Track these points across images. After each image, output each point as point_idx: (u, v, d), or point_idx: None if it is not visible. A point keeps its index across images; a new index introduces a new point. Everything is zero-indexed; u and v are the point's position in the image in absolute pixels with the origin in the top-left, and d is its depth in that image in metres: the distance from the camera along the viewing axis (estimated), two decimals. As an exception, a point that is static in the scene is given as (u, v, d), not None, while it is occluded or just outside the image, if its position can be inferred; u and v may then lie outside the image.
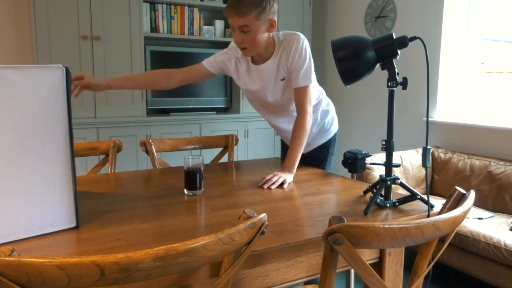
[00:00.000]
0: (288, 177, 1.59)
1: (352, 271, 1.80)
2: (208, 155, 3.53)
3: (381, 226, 0.77)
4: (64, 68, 1.01)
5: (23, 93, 0.97)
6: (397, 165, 1.40)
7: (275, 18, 1.63)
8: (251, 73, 1.80)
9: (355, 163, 1.64)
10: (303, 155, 1.79)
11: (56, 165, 1.03)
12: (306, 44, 1.70)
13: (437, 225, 0.84)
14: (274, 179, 1.55)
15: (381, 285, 0.85)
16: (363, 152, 1.66)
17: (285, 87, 1.78)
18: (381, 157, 2.81)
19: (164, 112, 3.68)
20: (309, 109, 1.73)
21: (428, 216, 1.24)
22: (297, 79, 1.70)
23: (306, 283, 1.53)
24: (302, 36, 1.71)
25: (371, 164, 1.53)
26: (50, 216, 1.04)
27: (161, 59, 3.48)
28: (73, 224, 1.08)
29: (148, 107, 3.49)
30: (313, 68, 1.74)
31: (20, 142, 0.98)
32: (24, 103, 0.97)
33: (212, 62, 1.85)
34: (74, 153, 1.05)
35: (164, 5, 3.44)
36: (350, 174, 1.82)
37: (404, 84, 1.28)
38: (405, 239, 0.80)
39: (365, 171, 3.05)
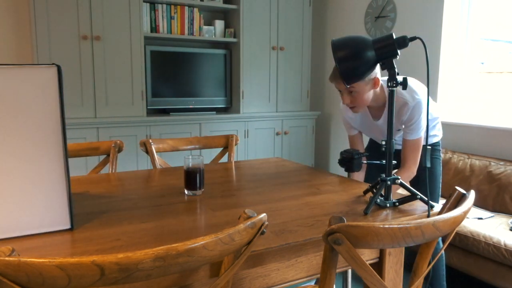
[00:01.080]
0: None
1: (350, 271, 1.80)
2: (208, 155, 3.53)
3: (381, 226, 0.77)
4: (56, 67, 1.00)
5: (15, 93, 0.96)
6: (380, 163, 1.45)
7: (378, 76, 1.73)
8: (371, 125, 1.97)
9: (351, 162, 1.64)
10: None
11: (48, 165, 1.02)
12: (423, 108, 1.77)
13: (437, 225, 0.84)
14: None
15: (381, 285, 0.85)
16: (359, 151, 1.67)
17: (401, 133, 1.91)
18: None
19: (164, 112, 3.68)
20: (413, 168, 1.81)
21: (428, 216, 1.24)
22: (407, 134, 1.82)
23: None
24: (419, 102, 1.77)
25: (367, 163, 1.54)
26: (42, 217, 1.04)
27: (161, 59, 3.48)
28: (67, 226, 1.07)
29: (148, 107, 3.49)
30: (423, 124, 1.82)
31: (12, 142, 0.98)
32: (16, 103, 0.96)
33: (348, 127, 2.06)
34: (67, 153, 1.05)
35: (164, 5, 3.44)
36: (352, 174, 1.82)
37: (404, 84, 1.28)
38: (405, 239, 0.80)
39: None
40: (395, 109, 1.80)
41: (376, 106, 1.85)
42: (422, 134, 1.84)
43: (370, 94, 1.74)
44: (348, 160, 1.65)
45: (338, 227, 0.77)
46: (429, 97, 2.03)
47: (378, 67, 1.71)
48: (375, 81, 1.72)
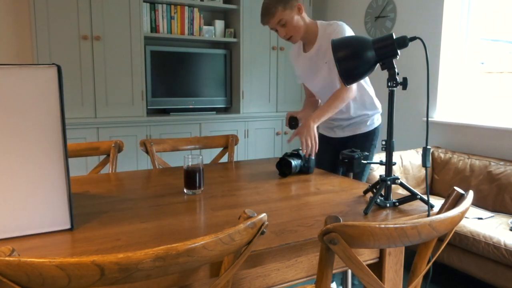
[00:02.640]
0: (312, 128, 1.73)
1: (350, 272, 1.80)
2: (208, 155, 3.53)
3: (377, 226, 0.77)
4: (56, 67, 1.00)
5: (15, 93, 0.96)
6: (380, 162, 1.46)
7: (300, 1, 1.88)
8: (301, 59, 2.05)
9: (351, 163, 1.65)
10: (347, 137, 2.11)
11: (49, 165, 1.02)
12: (347, 29, 1.87)
13: (434, 225, 0.84)
14: (309, 144, 1.71)
15: (378, 285, 0.85)
16: (359, 151, 1.67)
17: (329, 71, 1.95)
18: (381, 157, 2.81)
19: (164, 112, 3.68)
20: (352, 86, 1.85)
21: (428, 216, 1.24)
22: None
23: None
24: (342, 25, 1.88)
25: (367, 163, 1.54)
26: (42, 217, 1.04)
27: (161, 59, 3.49)
28: (67, 226, 1.07)
29: (148, 107, 3.50)
30: None
31: (12, 142, 0.98)
32: (16, 103, 0.97)
33: (297, 74, 2.15)
34: (67, 153, 1.05)
35: (164, 5, 3.44)
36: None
37: (404, 84, 1.28)
38: (401, 239, 0.80)
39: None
40: (320, 47, 1.92)
41: (308, 39, 1.96)
42: None
43: (299, 21, 1.88)
44: (349, 160, 1.66)
45: (333, 227, 0.77)
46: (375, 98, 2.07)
47: None
48: (299, 7, 1.87)
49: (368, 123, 2.09)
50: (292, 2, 1.83)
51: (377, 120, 2.13)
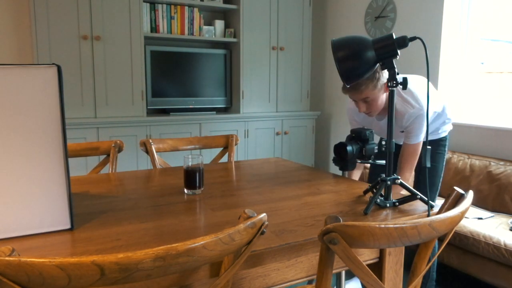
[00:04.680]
0: None
1: (343, 273, 1.80)
2: (208, 155, 3.53)
3: (377, 226, 0.77)
4: (56, 67, 1.00)
5: (15, 93, 0.96)
6: (384, 163, 1.47)
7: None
8: (375, 123, 2.00)
9: (345, 161, 1.65)
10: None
11: (49, 165, 1.02)
12: (423, 116, 1.81)
13: (434, 225, 0.84)
14: None
15: (378, 285, 0.85)
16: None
17: (404, 135, 1.93)
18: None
19: (164, 112, 3.68)
20: (407, 174, 1.85)
21: (428, 216, 1.24)
22: (406, 138, 1.87)
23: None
24: (421, 110, 1.80)
25: (361, 162, 1.54)
26: (42, 217, 1.04)
27: (161, 59, 3.49)
28: (67, 226, 1.07)
29: (148, 107, 3.49)
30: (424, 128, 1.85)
31: (12, 142, 0.98)
32: (16, 103, 0.97)
33: (351, 119, 2.07)
34: (67, 153, 1.05)
35: (164, 5, 3.44)
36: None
37: (404, 84, 1.28)
38: (401, 239, 0.80)
39: (365, 171, 3.05)
40: (398, 114, 1.84)
41: (384, 110, 1.89)
42: (422, 138, 1.85)
43: (383, 98, 1.79)
44: (342, 159, 1.66)
45: (333, 227, 0.77)
46: (429, 90, 2.07)
47: (385, 71, 1.75)
48: (386, 86, 1.75)
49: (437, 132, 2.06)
50: (382, 81, 1.74)
51: (446, 129, 2.10)
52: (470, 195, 1.01)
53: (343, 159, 1.64)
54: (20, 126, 0.98)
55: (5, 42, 3.15)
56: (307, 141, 4.09)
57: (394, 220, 1.19)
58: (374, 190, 1.39)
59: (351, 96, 1.78)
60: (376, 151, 1.69)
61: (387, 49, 1.30)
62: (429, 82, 1.27)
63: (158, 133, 3.37)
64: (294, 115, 3.97)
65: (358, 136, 1.66)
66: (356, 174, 2.08)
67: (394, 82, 1.29)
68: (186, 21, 3.55)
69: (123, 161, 3.26)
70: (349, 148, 1.62)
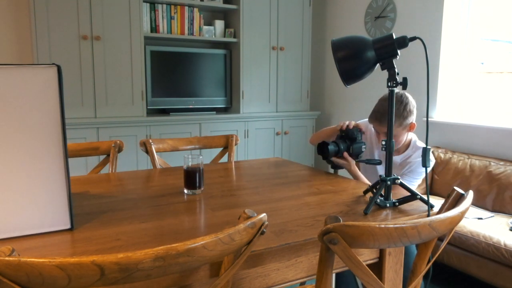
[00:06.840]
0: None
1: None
2: (208, 155, 3.53)
3: (377, 226, 0.77)
4: (56, 67, 1.00)
5: (15, 93, 0.96)
6: (379, 162, 1.51)
7: (414, 121, 1.81)
8: (381, 155, 1.98)
9: (327, 159, 1.67)
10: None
11: (48, 165, 1.02)
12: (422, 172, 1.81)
13: (434, 225, 0.84)
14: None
15: (378, 285, 0.85)
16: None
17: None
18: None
19: (164, 112, 3.68)
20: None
21: (428, 216, 1.24)
22: (403, 177, 1.85)
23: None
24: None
25: (357, 161, 1.55)
26: (42, 217, 1.04)
27: (161, 59, 3.49)
28: (67, 226, 1.07)
29: (148, 107, 3.49)
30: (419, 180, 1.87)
31: (11, 142, 0.98)
32: (16, 103, 0.97)
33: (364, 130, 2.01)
34: (67, 153, 1.05)
35: (164, 5, 3.44)
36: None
37: (404, 84, 1.28)
38: (401, 239, 0.80)
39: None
40: (405, 157, 1.88)
41: (400, 147, 1.90)
42: (415, 184, 1.85)
43: (405, 136, 1.84)
44: (325, 157, 1.68)
45: (333, 227, 0.77)
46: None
47: (415, 111, 1.78)
48: (412, 126, 1.80)
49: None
50: (408, 120, 1.76)
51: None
52: (470, 195, 1.01)
53: (326, 157, 1.70)
54: (20, 126, 0.98)
55: (5, 42, 3.15)
56: (307, 141, 4.09)
57: (394, 220, 1.19)
58: (374, 190, 1.39)
59: (376, 127, 1.80)
60: (363, 150, 1.74)
61: (387, 49, 1.30)
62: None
63: (158, 133, 3.37)
64: (294, 115, 3.97)
65: (347, 135, 1.72)
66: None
67: (394, 82, 1.29)
68: (186, 21, 3.55)
69: (123, 161, 3.26)
70: (330, 147, 1.68)
